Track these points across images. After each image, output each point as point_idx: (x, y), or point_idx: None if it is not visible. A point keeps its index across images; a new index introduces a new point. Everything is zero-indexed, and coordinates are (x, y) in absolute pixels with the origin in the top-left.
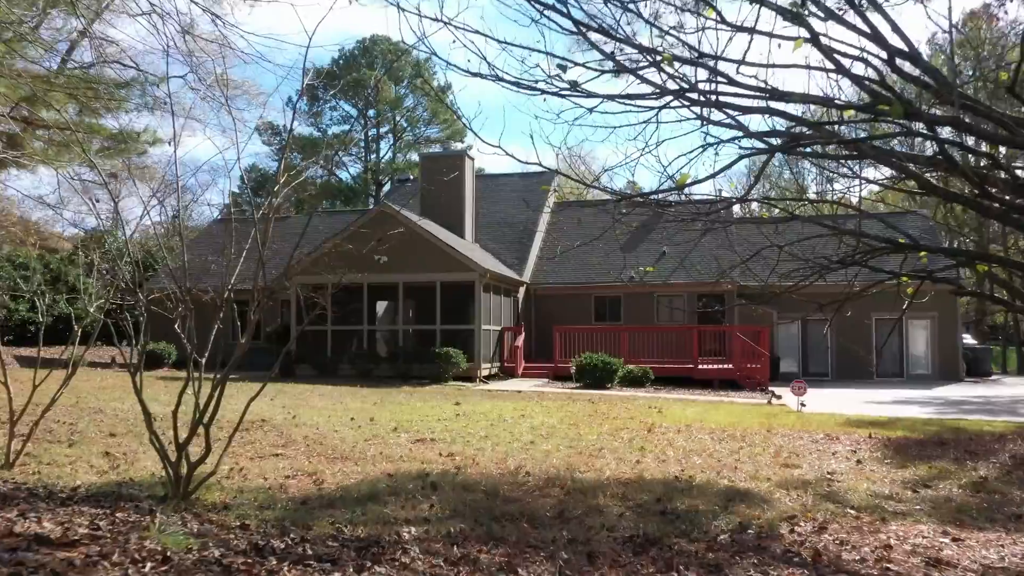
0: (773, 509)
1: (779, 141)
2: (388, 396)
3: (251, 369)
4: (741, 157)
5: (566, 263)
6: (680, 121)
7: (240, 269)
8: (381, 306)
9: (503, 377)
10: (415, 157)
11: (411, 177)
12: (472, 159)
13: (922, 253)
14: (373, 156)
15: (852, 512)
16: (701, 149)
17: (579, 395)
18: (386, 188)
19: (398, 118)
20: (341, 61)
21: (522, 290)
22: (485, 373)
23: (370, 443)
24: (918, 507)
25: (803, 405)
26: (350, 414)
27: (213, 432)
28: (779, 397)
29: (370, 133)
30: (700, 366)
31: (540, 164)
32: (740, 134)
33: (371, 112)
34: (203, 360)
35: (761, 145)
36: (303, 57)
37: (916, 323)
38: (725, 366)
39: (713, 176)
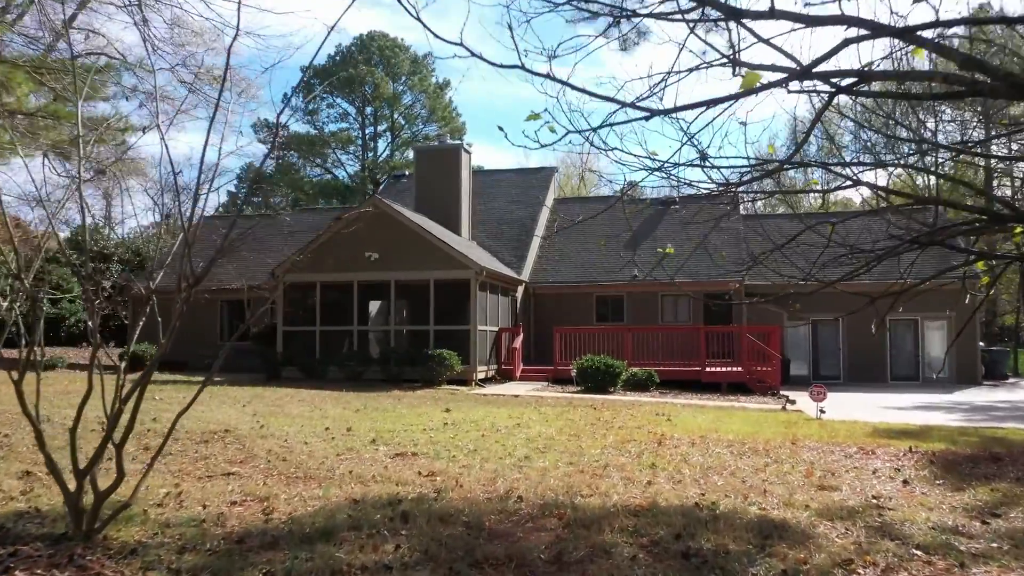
0: (821, 550)
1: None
2: (374, 401)
3: (238, 371)
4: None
5: (566, 261)
6: (706, 66)
7: (232, 268)
8: (372, 305)
9: (500, 380)
10: (412, 155)
11: (407, 173)
12: (469, 153)
13: (1018, 229)
14: (370, 154)
15: (919, 554)
16: (732, 101)
17: (580, 400)
18: (383, 187)
19: (396, 115)
20: (338, 57)
21: (520, 289)
22: (481, 376)
23: (342, 458)
24: (995, 544)
25: (823, 412)
26: (327, 423)
27: (174, 447)
28: (793, 402)
29: (367, 131)
30: (708, 369)
31: (523, 67)
32: (785, 75)
33: (368, 109)
34: (123, 362)
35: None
36: (288, 44)
37: (931, 324)
38: (734, 369)
39: (768, 88)
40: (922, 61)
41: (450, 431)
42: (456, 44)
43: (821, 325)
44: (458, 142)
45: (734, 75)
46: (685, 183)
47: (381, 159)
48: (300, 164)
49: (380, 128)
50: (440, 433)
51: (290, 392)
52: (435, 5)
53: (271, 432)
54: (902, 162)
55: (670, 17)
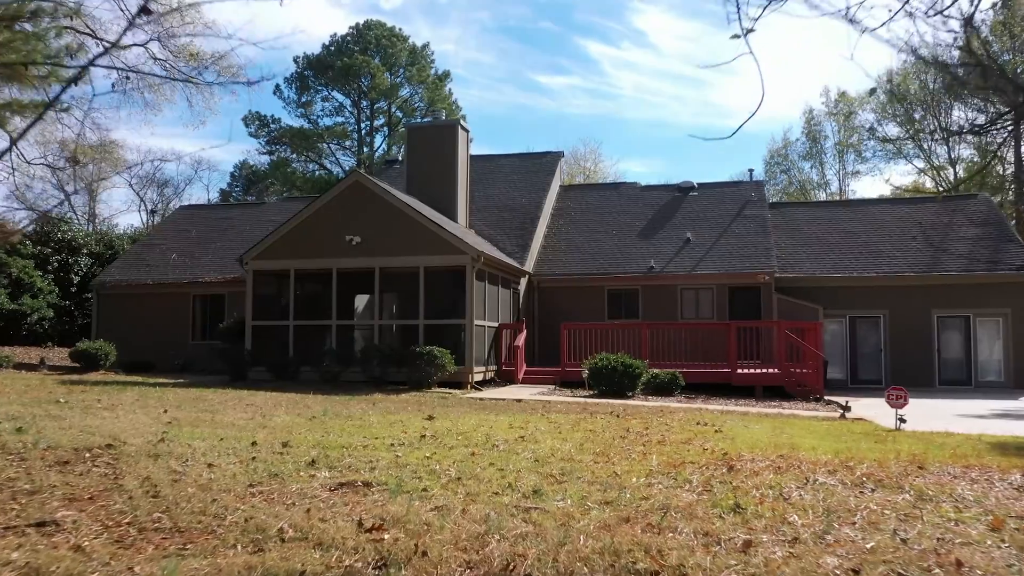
0: None
1: None
2: (340, 407)
3: (209, 373)
4: None
5: (574, 251)
6: None
7: (207, 260)
8: (353, 297)
9: (500, 383)
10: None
11: (399, 159)
12: (466, 131)
13: None
14: (367, 149)
15: None
16: None
17: (596, 406)
18: (374, 173)
19: (393, 108)
20: (332, 47)
21: (523, 281)
22: (478, 378)
23: (253, 491)
24: None
25: (903, 421)
26: (263, 435)
27: (10, 470)
28: (848, 409)
29: (363, 125)
30: (739, 371)
31: None
32: None
33: (364, 102)
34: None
35: None
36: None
37: (984, 322)
38: (769, 371)
39: None
40: None
41: (427, 447)
42: None
43: (860, 322)
44: (454, 119)
45: None
46: None
47: (378, 154)
48: (294, 159)
49: (377, 123)
50: (413, 450)
51: (244, 395)
52: (435, 11)
53: (171, 449)
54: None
55: None
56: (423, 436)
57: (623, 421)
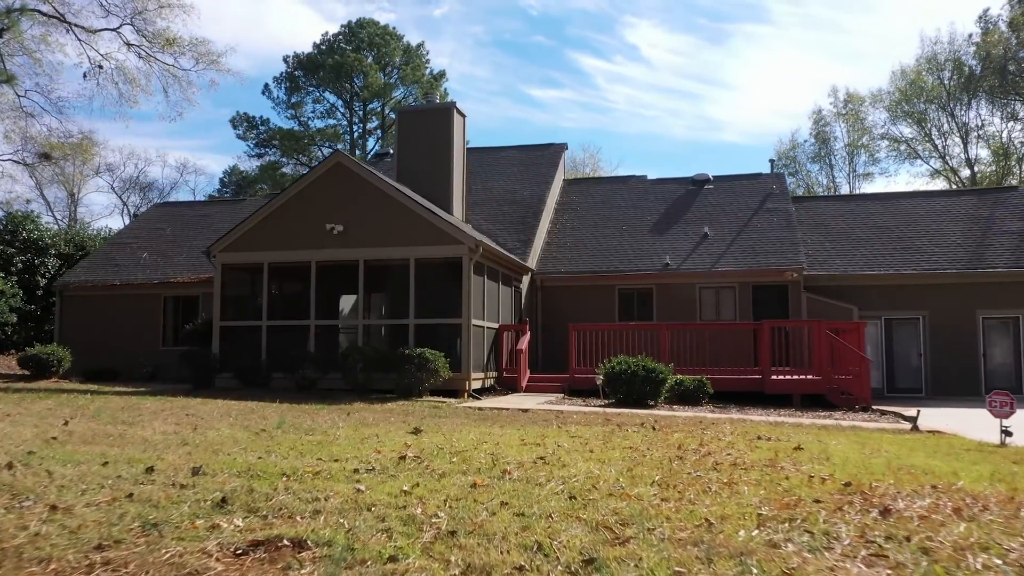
0: None
1: None
2: (304, 417)
3: (174, 380)
4: None
5: (581, 248)
6: None
7: (181, 259)
8: (335, 294)
9: (501, 391)
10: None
11: (391, 151)
12: (463, 115)
13: None
14: (359, 152)
15: None
16: None
17: (619, 416)
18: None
19: (386, 110)
20: (324, 47)
21: (526, 280)
22: (476, 385)
23: (92, 562)
24: None
25: (1009, 434)
26: (176, 456)
27: None
28: (914, 419)
29: (355, 128)
30: (773, 377)
31: None
32: None
33: (357, 104)
34: None
35: None
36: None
37: None
38: (807, 377)
39: None
40: None
41: (408, 474)
42: None
43: (897, 324)
44: (449, 102)
45: None
46: None
47: (371, 156)
48: (284, 162)
49: (370, 125)
50: (385, 480)
51: (191, 404)
52: (429, 24)
53: (16, 479)
54: None
55: None
56: (403, 458)
57: (664, 435)
